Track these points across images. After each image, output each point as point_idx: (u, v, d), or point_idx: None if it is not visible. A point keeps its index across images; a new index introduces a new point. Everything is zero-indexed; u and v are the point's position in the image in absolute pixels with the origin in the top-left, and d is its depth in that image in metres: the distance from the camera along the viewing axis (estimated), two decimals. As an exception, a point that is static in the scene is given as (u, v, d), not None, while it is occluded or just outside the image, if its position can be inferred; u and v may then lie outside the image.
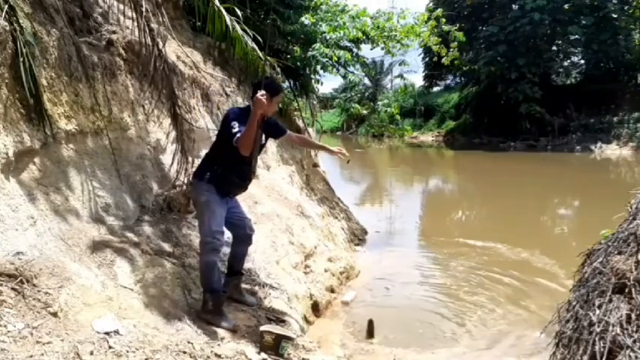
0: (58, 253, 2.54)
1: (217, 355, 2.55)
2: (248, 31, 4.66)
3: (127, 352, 2.25)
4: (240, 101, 5.74)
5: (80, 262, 2.64)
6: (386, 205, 11.36)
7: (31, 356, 1.94)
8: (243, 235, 3.25)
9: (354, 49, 7.94)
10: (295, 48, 7.04)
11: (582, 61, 27.04)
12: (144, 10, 3.60)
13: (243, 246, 3.30)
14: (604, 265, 1.76)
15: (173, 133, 4.10)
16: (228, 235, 3.21)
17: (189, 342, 2.56)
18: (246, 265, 3.52)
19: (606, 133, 22.05)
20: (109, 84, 3.51)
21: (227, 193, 3.05)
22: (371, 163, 20.15)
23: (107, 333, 2.29)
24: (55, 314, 2.20)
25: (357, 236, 6.95)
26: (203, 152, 4.40)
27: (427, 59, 29.48)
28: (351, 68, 8.32)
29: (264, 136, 3.10)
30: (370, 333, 3.92)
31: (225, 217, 3.05)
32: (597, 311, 1.60)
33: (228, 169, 2.97)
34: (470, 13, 25.71)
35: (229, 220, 3.10)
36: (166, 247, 3.33)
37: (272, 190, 5.42)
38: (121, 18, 4.02)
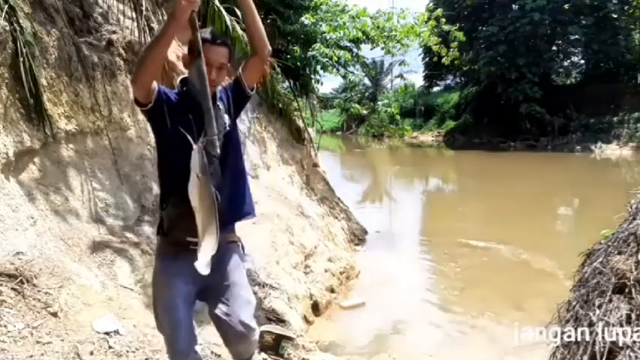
0: (58, 253, 2.54)
1: (217, 355, 2.56)
2: (248, 31, 4.65)
3: (127, 352, 2.26)
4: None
5: (80, 262, 2.64)
6: (386, 205, 11.36)
7: (31, 356, 1.94)
8: (231, 334, 1.75)
9: (354, 49, 7.95)
10: (295, 48, 7.04)
11: (582, 61, 27.04)
12: (144, 9, 3.60)
13: (238, 345, 1.80)
14: (604, 265, 1.76)
15: (173, 133, 4.10)
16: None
17: (189, 342, 2.56)
18: (246, 265, 3.51)
19: (606, 133, 22.04)
20: (109, 84, 3.51)
21: (179, 241, 1.72)
22: (371, 163, 20.14)
23: (107, 333, 2.30)
24: (55, 314, 2.20)
25: (357, 236, 6.95)
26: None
27: (427, 59, 29.47)
28: (351, 68, 8.32)
29: (226, 117, 1.79)
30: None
31: (207, 300, 1.78)
32: (597, 311, 1.60)
33: (169, 189, 1.75)
34: (470, 13, 25.70)
35: (211, 305, 1.76)
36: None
37: (272, 190, 5.42)
38: (121, 18, 4.02)
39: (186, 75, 1.80)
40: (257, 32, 1.81)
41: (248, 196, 1.90)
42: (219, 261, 1.70)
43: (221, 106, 1.77)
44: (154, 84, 1.62)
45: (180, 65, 4.73)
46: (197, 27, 1.61)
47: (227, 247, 1.78)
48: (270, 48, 1.88)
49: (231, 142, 1.79)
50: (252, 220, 1.94)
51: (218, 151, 1.63)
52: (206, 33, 1.72)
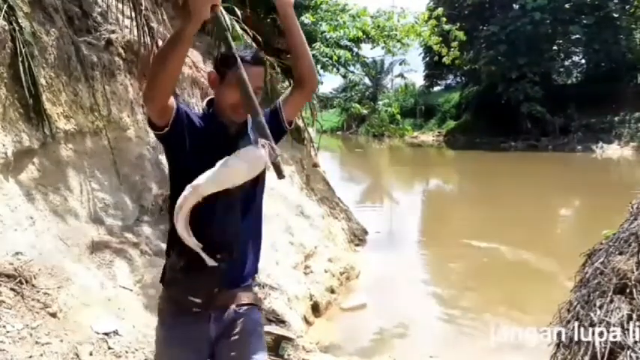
0: (57, 254, 2.53)
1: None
2: (248, 30, 4.65)
3: (127, 352, 2.25)
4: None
5: (79, 262, 2.63)
6: (386, 205, 11.36)
7: (31, 357, 1.94)
8: None
9: (355, 49, 7.96)
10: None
11: (583, 61, 27.09)
12: (143, 9, 3.59)
13: None
14: (605, 265, 1.75)
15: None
16: None
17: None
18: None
19: (607, 132, 22.06)
20: (108, 84, 3.50)
21: (178, 300, 1.42)
22: (371, 163, 20.14)
23: (106, 333, 2.29)
24: (54, 315, 2.20)
25: (358, 236, 6.94)
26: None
27: (428, 59, 29.50)
28: (352, 68, 8.34)
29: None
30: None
31: None
32: (598, 312, 1.60)
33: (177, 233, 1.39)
34: (470, 12, 25.72)
35: None
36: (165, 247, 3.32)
37: (272, 190, 5.42)
38: (120, 17, 4.01)
39: (212, 96, 1.50)
40: (306, 61, 1.49)
41: (259, 254, 1.56)
42: (229, 330, 1.42)
43: (252, 138, 1.41)
44: (171, 101, 1.32)
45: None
46: (226, 27, 1.35)
47: (239, 313, 1.44)
48: (318, 79, 1.59)
49: (259, 184, 1.52)
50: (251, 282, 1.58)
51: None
52: (242, 51, 1.42)
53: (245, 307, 1.46)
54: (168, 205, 1.47)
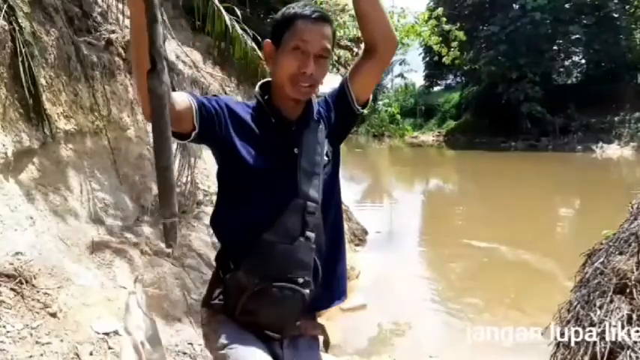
0: (57, 254, 2.53)
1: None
2: (248, 30, 4.65)
3: (126, 352, 2.25)
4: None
5: (79, 262, 2.63)
6: (386, 205, 11.36)
7: (31, 357, 1.94)
8: None
9: (355, 49, 7.96)
10: (295, 47, 7.03)
11: (583, 61, 27.10)
12: (143, 9, 3.59)
13: None
14: (605, 265, 1.75)
15: (173, 133, 4.09)
16: None
17: (189, 343, 2.56)
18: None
19: (607, 133, 22.08)
20: (108, 84, 3.51)
21: (262, 330, 1.15)
22: (371, 163, 20.14)
23: (106, 333, 2.29)
24: (54, 315, 2.20)
25: (358, 236, 6.94)
26: (205, 153, 4.41)
27: (428, 59, 29.54)
28: (352, 68, 8.33)
29: (326, 143, 1.20)
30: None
31: None
32: (598, 311, 1.60)
33: (242, 245, 1.12)
34: (471, 12, 25.73)
35: None
36: (166, 247, 3.32)
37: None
38: (120, 17, 4.01)
39: (268, 79, 1.21)
40: (377, 15, 1.12)
41: (345, 265, 1.28)
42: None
43: (321, 125, 1.18)
44: (184, 98, 1.08)
45: (179, 64, 4.73)
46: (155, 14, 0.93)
47: (306, 348, 1.20)
48: (397, 39, 1.24)
49: (334, 182, 1.20)
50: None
51: (318, 192, 1.09)
52: (298, 6, 1.13)
53: (312, 340, 1.23)
54: (215, 211, 1.21)
